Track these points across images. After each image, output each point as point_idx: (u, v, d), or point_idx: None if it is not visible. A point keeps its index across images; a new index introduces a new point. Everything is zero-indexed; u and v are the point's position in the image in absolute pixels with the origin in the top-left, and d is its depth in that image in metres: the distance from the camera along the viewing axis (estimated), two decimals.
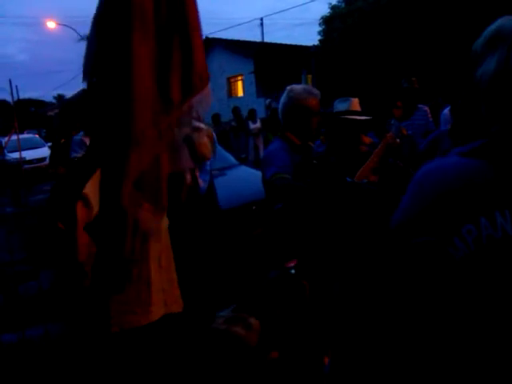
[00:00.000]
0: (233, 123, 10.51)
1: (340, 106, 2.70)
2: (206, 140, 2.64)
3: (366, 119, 2.55)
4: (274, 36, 59.88)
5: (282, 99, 2.40)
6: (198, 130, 2.62)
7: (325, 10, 17.31)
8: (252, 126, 10.04)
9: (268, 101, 12.18)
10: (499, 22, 0.83)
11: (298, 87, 2.38)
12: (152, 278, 1.67)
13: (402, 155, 2.75)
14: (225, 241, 3.48)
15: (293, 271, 2.26)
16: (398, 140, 2.47)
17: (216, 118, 10.53)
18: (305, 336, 2.22)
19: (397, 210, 0.90)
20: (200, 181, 2.76)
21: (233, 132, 10.22)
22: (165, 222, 1.80)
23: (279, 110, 2.44)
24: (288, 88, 2.40)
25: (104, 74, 1.34)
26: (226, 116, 13.11)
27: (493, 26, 0.83)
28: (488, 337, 0.75)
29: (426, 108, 4.55)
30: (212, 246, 2.84)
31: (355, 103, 2.69)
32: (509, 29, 0.80)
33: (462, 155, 0.83)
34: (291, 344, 2.26)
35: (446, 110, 4.00)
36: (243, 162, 5.65)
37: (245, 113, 10.83)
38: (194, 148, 2.53)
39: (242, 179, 4.76)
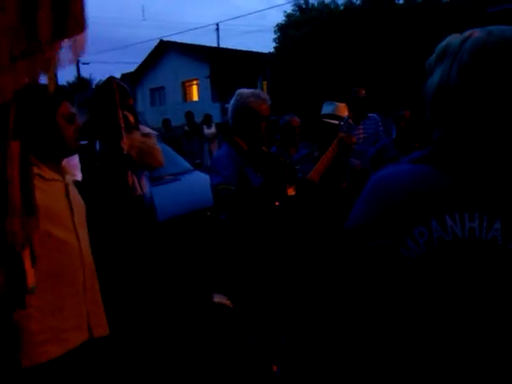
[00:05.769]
0: (186, 128, 10.37)
1: (325, 108, 2.81)
2: (158, 146, 2.56)
3: (337, 123, 2.67)
4: (229, 42, 59.92)
5: (231, 103, 2.37)
6: (148, 135, 2.53)
7: (280, 18, 17.60)
8: (207, 131, 9.97)
9: (226, 105, 12.19)
10: (448, 38, 0.89)
11: (246, 91, 2.36)
12: (68, 302, 1.50)
13: (352, 168, 2.86)
14: (175, 248, 3.42)
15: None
16: (353, 138, 2.57)
17: (166, 122, 10.33)
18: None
19: (351, 213, 0.92)
20: (144, 189, 2.62)
21: (185, 137, 10.09)
22: (86, 239, 1.63)
23: (228, 115, 2.41)
24: (237, 92, 2.38)
25: None
26: (181, 120, 12.95)
27: (442, 43, 0.89)
28: (438, 332, 0.78)
29: (377, 117, 4.69)
30: (153, 256, 2.74)
31: (341, 108, 2.78)
32: (453, 45, 0.85)
33: (413, 162, 0.87)
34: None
35: None
36: (198, 167, 5.59)
37: (199, 117, 10.74)
38: (149, 154, 2.45)
39: (196, 185, 4.70)
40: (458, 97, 0.83)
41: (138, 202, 2.44)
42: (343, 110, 2.86)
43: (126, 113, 2.35)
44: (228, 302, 2.40)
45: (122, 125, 2.26)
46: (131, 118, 2.38)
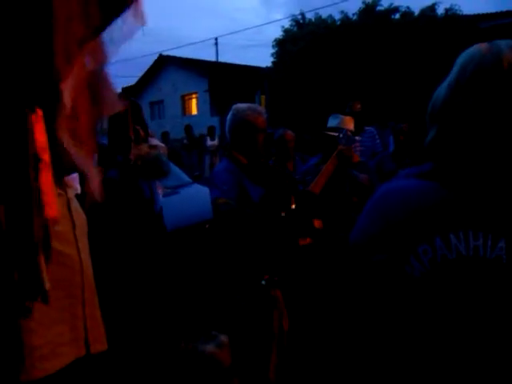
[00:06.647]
0: (185, 141, 10.49)
1: (331, 121, 2.86)
2: (163, 157, 2.63)
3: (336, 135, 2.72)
4: (228, 56, 60.29)
5: (228, 118, 2.41)
6: (156, 147, 2.60)
7: (278, 33, 17.74)
8: (210, 143, 10.05)
9: None
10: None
11: (242, 105, 2.40)
12: (66, 315, 1.44)
13: (359, 183, 2.89)
14: (178, 259, 3.42)
15: (263, 282, 2.23)
16: (352, 147, 2.62)
17: (165, 136, 10.50)
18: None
19: (354, 228, 0.92)
20: (156, 196, 2.72)
21: (185, 150, 10.20)
22: (86, 252, 1.63)
23: (226, 130, 2.45)
24: (233, 107, 2.41)
25: None
26: (180, 133, 13.04)
27: None
28: (441, 349, 0.77)
29: (373, 130, 4.74)
30: (164, 266, 2.78)
31: (346, 121, 2.83)
32: (460, 58, 0.85)
33: (417, 177, 0.87)
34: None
35: None
36: (197, 179, 5.62)
37: (198, 131, 10.86)
38: (158, 165, 2.51)
39: (195, 197, 4.71)
40: (447, 108, 0.84)
41: (148, 207, 2.51)
42: (349, 123, 2.88)
43: (137, 127, 2.46)
44: (222, 355, 2.05)
45: (132, 138, 2.36)
46: (142, 132, 2.47)
